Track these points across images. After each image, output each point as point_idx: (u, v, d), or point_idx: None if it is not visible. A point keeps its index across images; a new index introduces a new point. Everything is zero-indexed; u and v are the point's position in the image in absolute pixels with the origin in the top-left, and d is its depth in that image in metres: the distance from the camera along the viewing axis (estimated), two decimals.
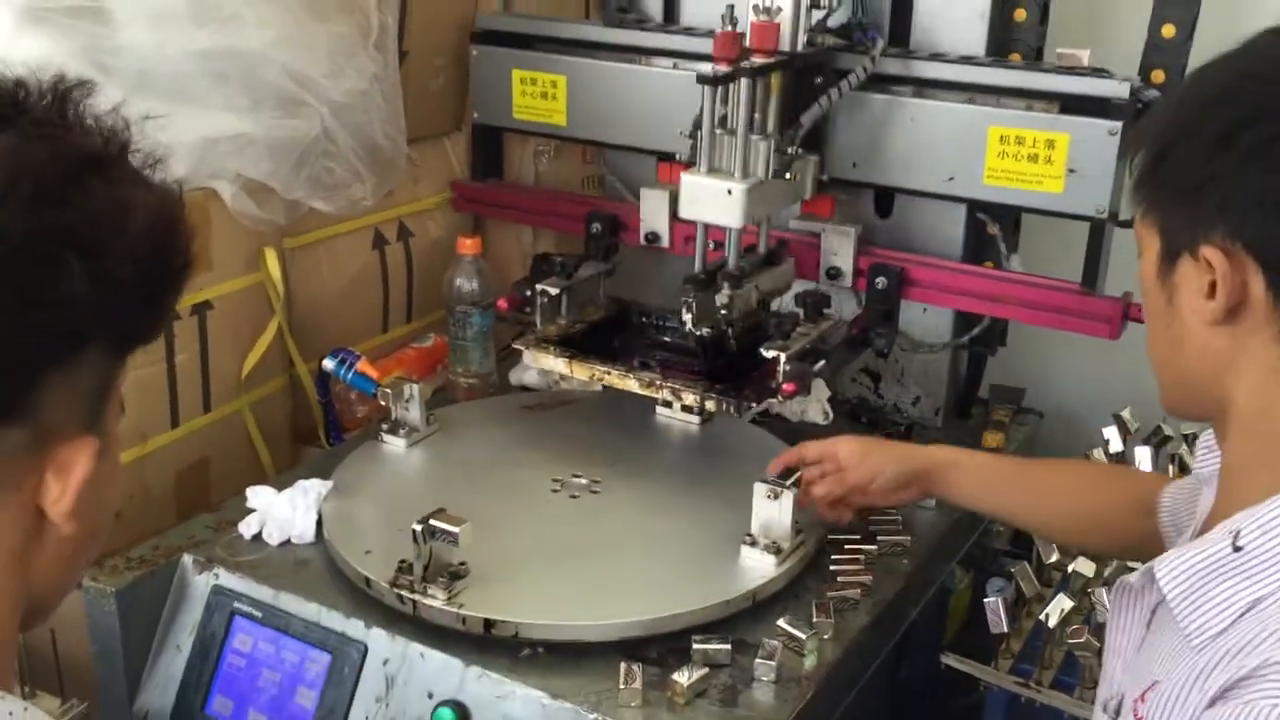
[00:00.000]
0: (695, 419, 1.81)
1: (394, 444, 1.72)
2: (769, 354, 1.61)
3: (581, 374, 1.71)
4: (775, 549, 1.46)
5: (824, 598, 1.45)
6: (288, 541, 1.55)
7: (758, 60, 1.58)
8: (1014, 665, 1.58)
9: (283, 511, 1.56)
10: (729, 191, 1.58)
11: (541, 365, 1.75)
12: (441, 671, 1.35)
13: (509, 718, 1.30)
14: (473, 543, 1.35)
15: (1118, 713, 1.02)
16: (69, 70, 0.79)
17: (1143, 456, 1.82)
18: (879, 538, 1.59)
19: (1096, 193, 1.62)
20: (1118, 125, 1.58)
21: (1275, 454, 0.92)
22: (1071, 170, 1.62)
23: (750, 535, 1.48)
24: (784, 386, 1.59)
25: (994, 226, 1.81)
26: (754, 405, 1.64)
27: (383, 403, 1.73)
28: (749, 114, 1.57)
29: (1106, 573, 1.62)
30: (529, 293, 1.77)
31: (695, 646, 1.35)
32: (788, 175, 1.66)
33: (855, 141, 1.78)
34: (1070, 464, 1.60)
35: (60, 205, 0.71)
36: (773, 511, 1.46)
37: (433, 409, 1.80)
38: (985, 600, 1.54)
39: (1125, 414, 1.89)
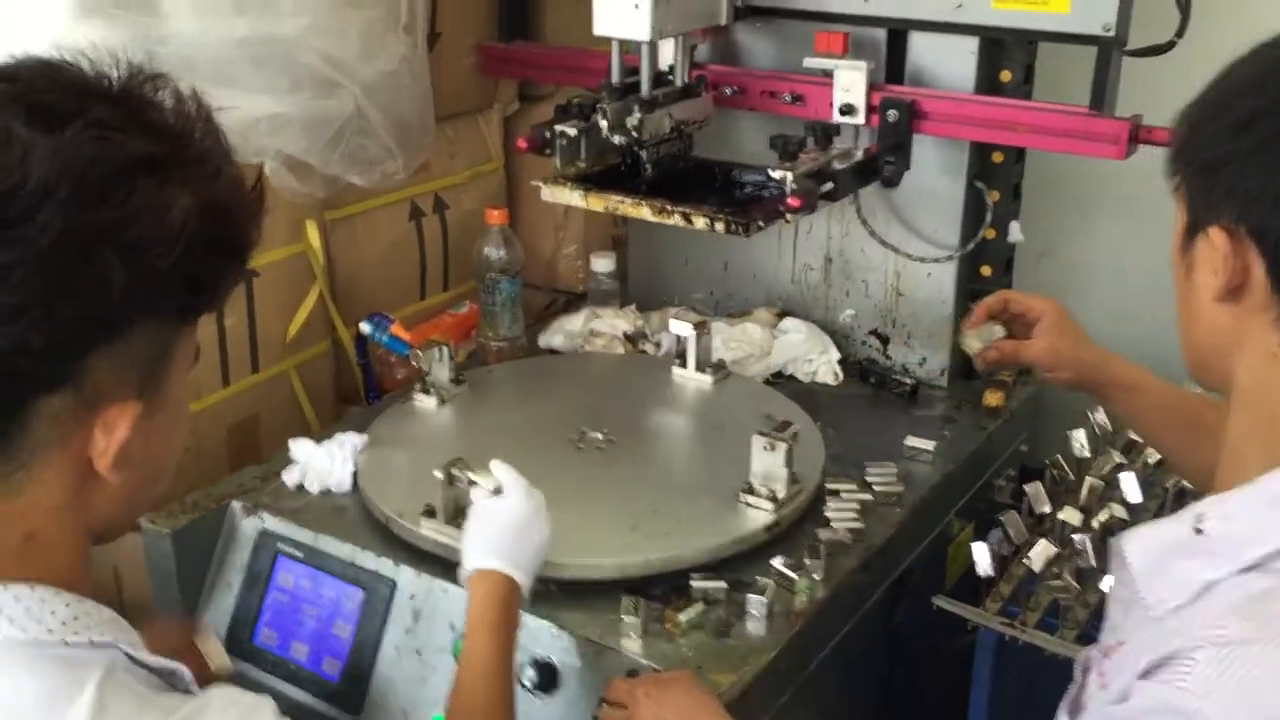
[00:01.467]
0: (708, 378, 1.91)
1: (425, 402, 1.85)
2: (776, 174, 1.66)
3: (596, 205, 1.77)
4: (772, 497, 1.56)
5: (817, 541, 1.55)
6: (327, 490, 1.69)
7: None
8: (1003, 608, 1.67)
9: (321, 463, 1.70)
10: (636, 5, 1.65)
11: (557, 199, 1.80)
12: (462, 606, 1.45)
13: (521, 647, 1.41)
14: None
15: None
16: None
17: None
18: (875, 488, 1.69)
19: (1103, 9, 1.64)
20: None
21: (1266, 433, 0.96)
22: None
23: (749, 483, 1.58)
24: (789, 200, 1.63)
25: (993, 194, 1.89)
26: (762, 225, 1.69)
27: (414, 363, 1.86)
28: None
29: (1094, 522, 1.70)
30: (548, 134, 1.81)
31: (694, 584, 1.46)
32: None
33: None
34: None
35: (98, 205, 0.77)
36: (770, 461, 1.56)
37: (464, 370, 1.92)
38: (972, 545, 1.63)
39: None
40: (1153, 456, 1.84)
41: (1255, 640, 0.83)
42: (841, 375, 2.03)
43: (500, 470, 1.40)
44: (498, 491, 1.38)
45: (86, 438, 0.84)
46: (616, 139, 1.77)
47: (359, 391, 2.12)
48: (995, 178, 1.92)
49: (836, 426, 1.86)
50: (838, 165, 1.74)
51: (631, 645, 1.39)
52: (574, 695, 1.40)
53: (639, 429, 1.79)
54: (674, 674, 1.34)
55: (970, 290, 2.01)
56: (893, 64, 1.89)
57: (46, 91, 0.81)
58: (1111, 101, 1.71)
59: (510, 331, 2.10)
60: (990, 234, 1.93)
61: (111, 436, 0.84)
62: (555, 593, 1.47)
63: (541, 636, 1.42)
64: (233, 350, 1.87)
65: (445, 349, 1.86)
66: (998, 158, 1.92)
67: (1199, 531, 0.93)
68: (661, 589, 1.48)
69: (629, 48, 1.79)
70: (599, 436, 1.76)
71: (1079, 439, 1.87)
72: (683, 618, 1.41)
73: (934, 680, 1.91)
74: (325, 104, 1.76)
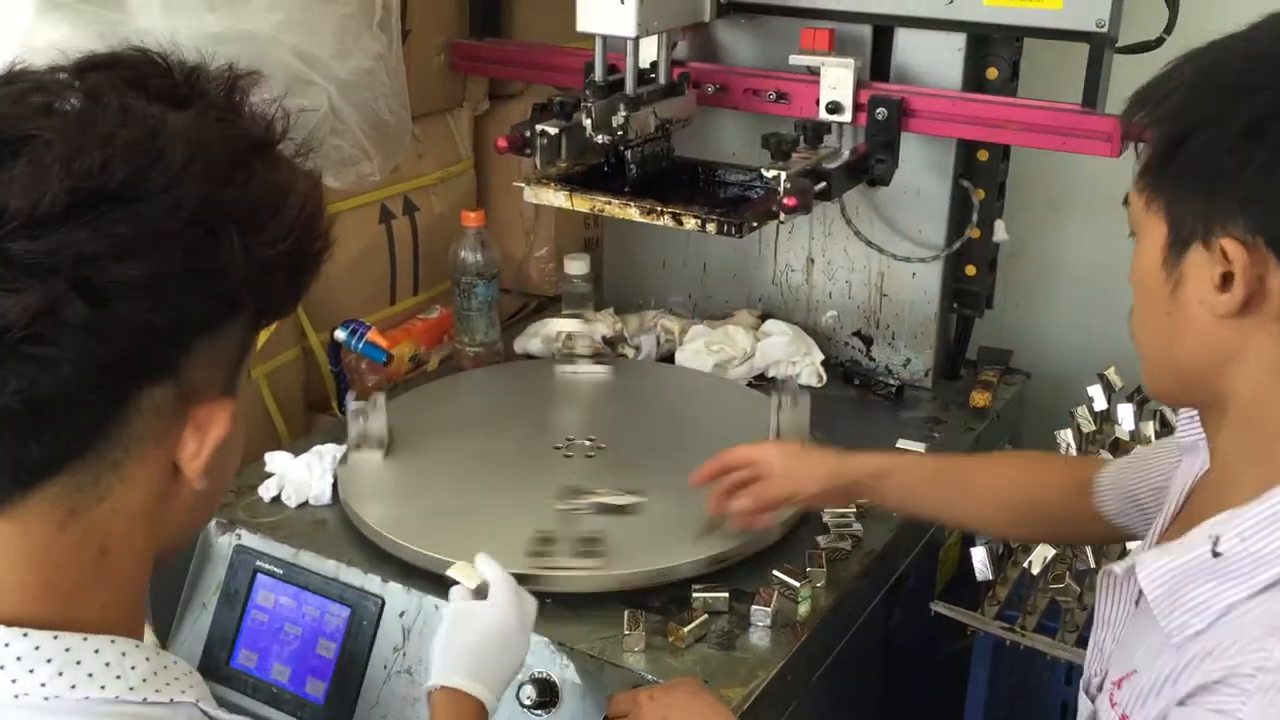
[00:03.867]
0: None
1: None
2: (770, 174, 1.63)
3: (582, 206, 1.73)
4: None
5: (817, 548, 1.52)
6: (305, 503, 1.63)
7: None
8: (1000, 611, 1.65)
9: (300, 475, 1.64)
10: (621, 1, 1.63)
11: (541, 200, 1.76)
12: None
13: None
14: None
15: (1099, 691, 1.05)
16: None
17: (1125, 414, 1.88)
18: None
19: (1096, 6, 1.64)
20: None
21: (1266, 450, 0.93)
22: None
23: None
24: (785, 201, 1.61)
25: (978, 193, 1.88)
26: (755, 225, 1.66)
27: (392, 370, 1.80)
28: None
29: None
30: (528, 134, 1.77)
31: (695, 595, 1.43)
32: None
33: None
34: (1002, 456, 1.58)
35: (227, 184, 0.76)
36: None
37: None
38: (971, 549, 1.61)
39: (1110, 373, 1.95)
40: None
41: None
42: (825, 378, 2.01)
43: (488, 568, 1.30)
44: (480, 593, 1.28)
45: (177, 439, 0.81)
46: (600, 139, 1.73)
47: (329, 400, 2.05)
48: (980, 176, 1.91)
49: (824, 430, 1.82)
50: (828, 165, 1.71)
51: (635, 660, 1.35)
52: (575, 713, 1.36)
53: (626, 434, 1.75)
54: (678, 679, 1.30)
55: (954, 290, 1.99)
56: (878, 61, 1.86)
57: (159, 76, 0.80)
58: (1103, 98, 1.70)
59: (487, 336, 2.04)
60: (975, 233, 1.92)
61: (206, 436, 0.81)
62: (552, 606, 1.42)
63: (540, 653, 1.37)
64: None
65: (380, 396, 1.71)
66: (983, 156, 1.90)
67: (1216, 554, 0.91)
68: (661, 600, 1.44)
69: (611, 45, 1.75)
70: (586, 443, 1.72)
71: (1065, 439, 1.86)
72: (686, 630, 1.37)
73: (930, 684, 1.89)
74: (298, 102, 1.69)
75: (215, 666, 1.55)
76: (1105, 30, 1.64)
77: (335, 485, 1.63)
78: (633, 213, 1.70)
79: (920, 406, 1.97)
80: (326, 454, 1.66)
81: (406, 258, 2.18)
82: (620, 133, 1.73)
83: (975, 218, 1.90)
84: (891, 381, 1.99)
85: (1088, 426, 1.89)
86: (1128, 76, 1.73)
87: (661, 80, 1.83)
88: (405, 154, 2.01)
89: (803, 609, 1.44)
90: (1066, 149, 1.73)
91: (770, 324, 2.05)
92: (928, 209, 1.92)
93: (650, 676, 1.33)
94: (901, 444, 1.79)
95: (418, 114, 2.06)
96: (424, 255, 2.21)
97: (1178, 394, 1.03)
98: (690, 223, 1.66)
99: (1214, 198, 0.89)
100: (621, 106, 1.72)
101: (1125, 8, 1.68)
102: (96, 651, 0.78)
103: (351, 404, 1.69)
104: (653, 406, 1.87)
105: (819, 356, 2.02)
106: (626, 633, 1.36)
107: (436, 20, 2.14)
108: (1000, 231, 1.94)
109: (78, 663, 0.77)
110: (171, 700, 0.79)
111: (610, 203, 1.71)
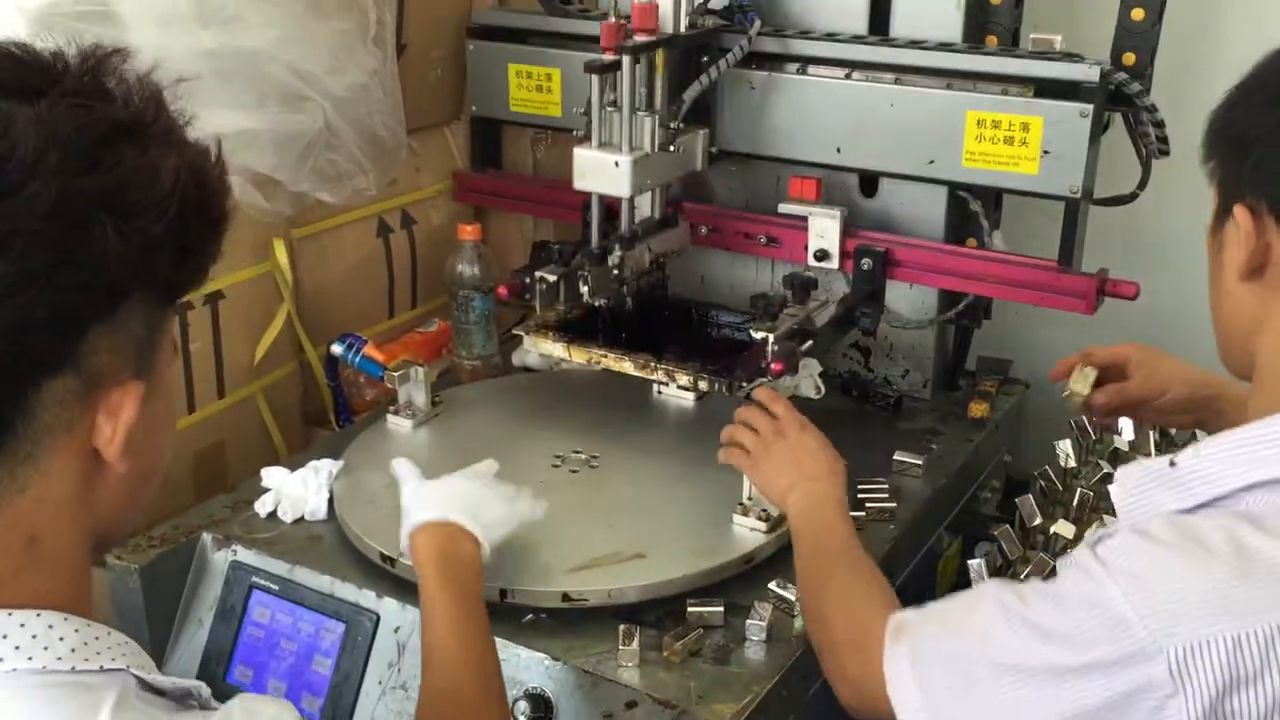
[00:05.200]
0: (691, 395, 1.87)
1: (400, 424, 1.79)
2: (758, 335, 1.67)
3: (580, 357, 1.78)
4: (765, 516, 1.53)
5: None
6: (301, 519, 1.63)
7: (640, 39, 1.67)
8: None
9: (296, 490, 1.64)
10: (616, 164, 1.67)
11: (541, 350, 1.82)
12: None
13: (514, 679, 1.37)
14: None
15: None
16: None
17: (1125, 425, 1.88)
18: (866, 504, 1.65)
19: (1070, 173, 1.68)
20: (1089, 108, 1.64)
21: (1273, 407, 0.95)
22: (1046, 152, 1.68)
23: (742, 503, 1.54)
24: (773, 366, 1.66)
25: (975, 203, 1.87)
26: (745, 384, 1.71)
27: (390, 385, 1.80)
28: (633, 92, 1.67)
29: (1085, 534, 1.68)
30: (528, 280, 1.83)
31: (690, 609, 1.42)
32: (672, 148, 1.75)
33: (739, 117, 1.89)
34: None
35: (89, 171, 0.76)
36: None
37: (438, 391, 1.87)
38: (969, 562, 1.60)
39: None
40: None
41: (1164, 543, 0.92)
42: (823, 389, 1.99)
43: (401, 467, 1.37)
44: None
45: (90, 425, 0.82)
46: (598, 303, 1.78)
47: (327, 414, 2.05)
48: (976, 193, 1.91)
49: None
50: (817, 321, 1.76)
51: (629, 675, 1.34)
52: None
53: (622, 448, 1.75)
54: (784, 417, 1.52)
55: (952, 300, 1.98)
56: (864, 198, 1.93)
57: (11, 70, 0.80)
58: (1079, 255, 1.75)
59: (484, 350, 2.05)
60: (972, 243, 1.91)
61: (118, 419, 0.82)
62: (547, 621, 1.42)
63: (534, 668, 1.37)
64: (198, 375, 1.80)
65: (420, 370, 1.80)
66: None
67: (1172, 465, 0.98)
68: (656, 615, 1.44)
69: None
70: (582, 457, 1.72)
71: (1064, 449, 1.86)
72: (680, 645, 1.36)
73: None
74: (294, 118, 1.70)
75: (211, 682, 1.51)
76: (1079, 194, 1.69)
77: (331, 500, 1.63)
78: (628, 366, 1.74)
79: (918, 418, 1.96)
80: (323, 469, 1.66)
81: (404, 271, 2.19)
82: (615, 271, 1.77)
83: (974, 228, 1.90)
84: (890, 393, 1.99)
85: (1087, 437, 1.88)
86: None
87: (656, 215, 1.87)
88: (401, 168, 2.01)
89: (798, 622, 1.43)
90: (1044, 304, 1.79)
91: None
92: (926, 219, 1.91)
93: (645, 692, 1.32)
94: (899, 455, 1.78)
95: (415, 127, 2.06)
96: (422, 268, 2.21)
97: (1228, 357, 1.07)
98: (683, 380, 1.72)
99: (1239, 165, 0.94)
100: (617, 246, 1.76)
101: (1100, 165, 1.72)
102: (22, 625, 0.79)
103: (394, 371, 1.79)
104: (650, 420, 1.86)
105: (817, 368, 2.01)
106: (621, 647, 1.36)
107: (433, 34, 2.14)
108: (998, 241, 1.93)
109: (4, 637, 0.78)
110: (101, 668, 0.80)
111: (606, 355, 1.75)
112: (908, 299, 1.96)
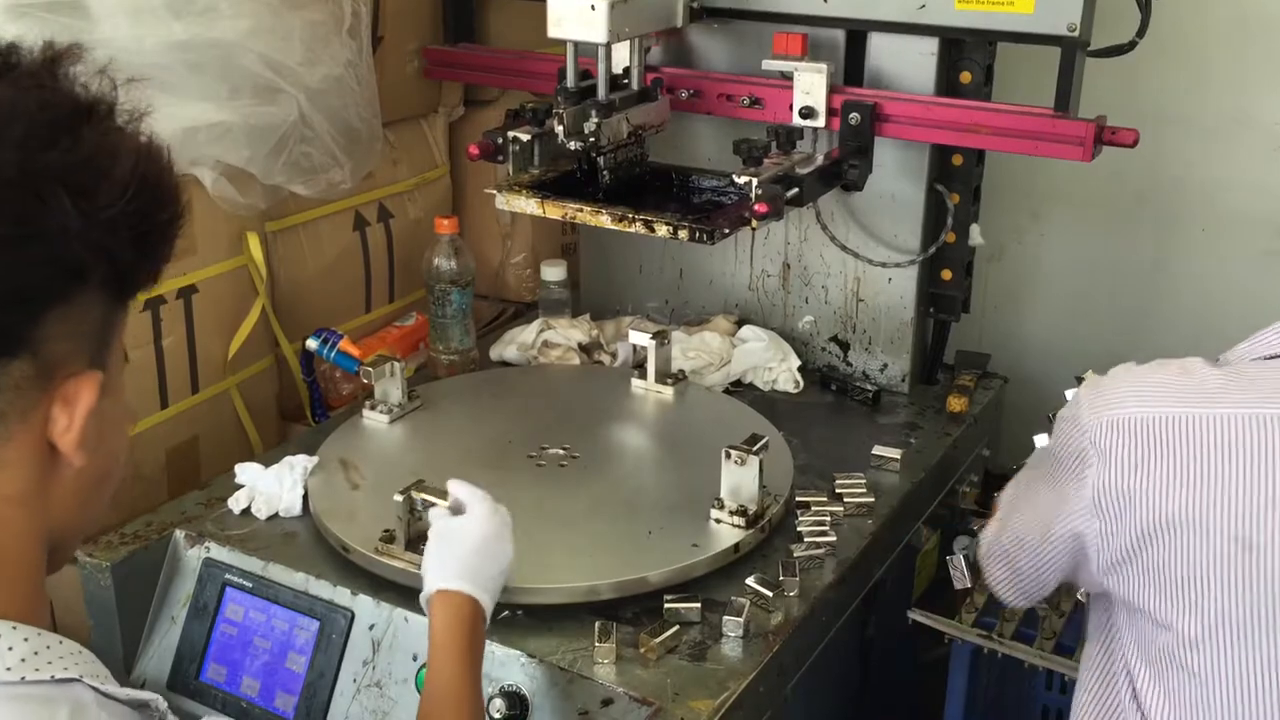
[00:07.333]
0: (669, 389, 1.86)
1: (376, 420, 1.78)
2: (741, 180, 1.62)
3: (554, 213, 1.71)
4: (743, 512, 1.52)
5: (790, 557, 1.51)
6: (275, 515, 1.61)
7: None
8: (977, 619, 1.64)
9: (270, 486, 1.62)
10: (592, 7, 1.62)
11: (513, 208, 1.74)
12: (424, 635, 1.39)
13: (490, 676, 1.35)
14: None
15: None
16: None
17: None
18: (844, 499, 1.65)
19: (1067, 9, 1.63)
20: None
21: None
22: None
23: (719, 499, 1.53)
24: (756, 207, 1.60)
25: (953, 197, 1.87)
26: (727, 232, 1.65)
27: (366, 380, 1.79)
28: None
29: None
30: (500, 140, 1.76)
31: (667, 606, 1.42)
32: None
33: None
34: None
35: (50, 147, 0.76)
36: (740, 476, 1.52)
37: (415, 386, 1.86)
38: (948, 557, 1.60)
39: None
40: None
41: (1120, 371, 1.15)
42: (802, 383, 2.00)
43: (459, 489, 1.36)
44: (457, 511, 1.34)
45: (45, 417, 0.81)
46: (573, 145, 1.72)
47: (303, 409, 2.03)
48: (955, 180, 1.90)
49: (800, 436, 1.82)
50: (801, 170, 1.70)
51: (605, 672, 1.34)
52: None
53: (600, 443, 1.74)
54: None
55: (931, 294, 1.99)
56: (851, 65, 1.86)
57: None
58: (1075, 102, 1.69)
59: (462, 344, 2.03)
60: (950, 238, 1.91)
61: (75, 409, 0.81)
62: (523, 618, 1.41)
63: (510, 665, 1.36)
64: (171, 370, 1.78)
65: (397, 365, 1.79)
66: (958, 160, 1.89)
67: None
68: (633, 611, 1.43)
69: (583, 50, 1.74)
70: (559, 452, 1.70)
71: (1042, 443, 1.85)
72: (657, 642, 1.36)
73: (908, 691, 1.89)
74: (267, 111, 1.68)
75: (184, 680, 1.53)
76: (1077, 34, 1.64)
77: (306, 497, 1.61)
78: (605, 220, 1.68)
79: (897, 411, 1.96)
80: (297, 465, 1.64)
81: (382, 265, 2.17)
82: (592, 139, 1.71)
83: (950, 222, 1.89)
84: (868, 387, 1.98)
85: None
86: (1101, 80, 1.76)
87: (634, 86, 1.82)
88: (377, 161, 2.00)
89: (775, 618, 1.43)
90: (1039, 153, 1.72)
91: (746, 330, 2.04)
92: (903, 214, 1.91)
93: (620, 689, 1.31)
94: (877, 450, 1.78)
95: (392, 120, 2.05)
96: (400, 262, 2.20)
97: None
98: (662, 230, 1.65)
99: None
100: (593, 113, 1.70)
101: (1098, 11, 1.67)
102: None
103: (370, 366, 1.76)
104: (628, 414, 1.85)
105: (796, 362, 2.01)
106: (597, 644, 1.35)
107: (410, 26, 2.13)
108: (976, 236, 1.93)
109: None
110: (53, 678, 0.78)
111: (582, 210, 1.70)
112: (888, 239, 1.92)
